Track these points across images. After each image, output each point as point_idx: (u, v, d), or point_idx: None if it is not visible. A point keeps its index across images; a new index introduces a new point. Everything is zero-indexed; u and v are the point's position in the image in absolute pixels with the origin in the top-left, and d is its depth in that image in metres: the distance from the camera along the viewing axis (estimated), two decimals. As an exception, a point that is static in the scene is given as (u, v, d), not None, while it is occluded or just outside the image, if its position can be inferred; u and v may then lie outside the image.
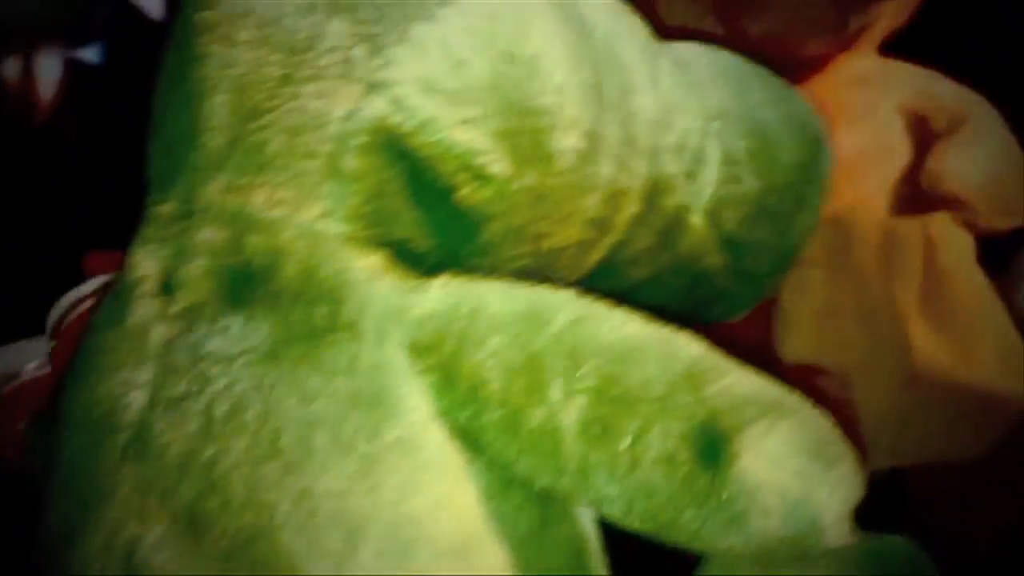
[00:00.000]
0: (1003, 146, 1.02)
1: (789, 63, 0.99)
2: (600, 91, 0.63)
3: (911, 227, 0.98)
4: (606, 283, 0.71)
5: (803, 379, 0.86)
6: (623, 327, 0.60)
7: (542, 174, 0.61)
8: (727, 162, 0.72)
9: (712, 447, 0.56)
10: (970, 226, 1.01)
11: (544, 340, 0.59)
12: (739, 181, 0.72)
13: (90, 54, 1.09)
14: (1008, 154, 1.02)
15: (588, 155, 0.63)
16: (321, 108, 0.60)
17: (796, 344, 0.94)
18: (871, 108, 1.02)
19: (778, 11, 0.96)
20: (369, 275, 0.60)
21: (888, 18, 1.02)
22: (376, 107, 0.60)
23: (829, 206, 0.97)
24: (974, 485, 0.96)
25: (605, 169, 0.64)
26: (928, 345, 0.97)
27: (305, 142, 0.61)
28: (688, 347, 0.60)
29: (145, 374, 0.61)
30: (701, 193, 0.71)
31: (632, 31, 0.68)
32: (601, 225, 0.66)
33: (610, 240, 0.67)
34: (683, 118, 0.69)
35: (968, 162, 1.00)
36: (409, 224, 0.61)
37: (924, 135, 1.03)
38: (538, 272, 0.66)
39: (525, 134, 0.61)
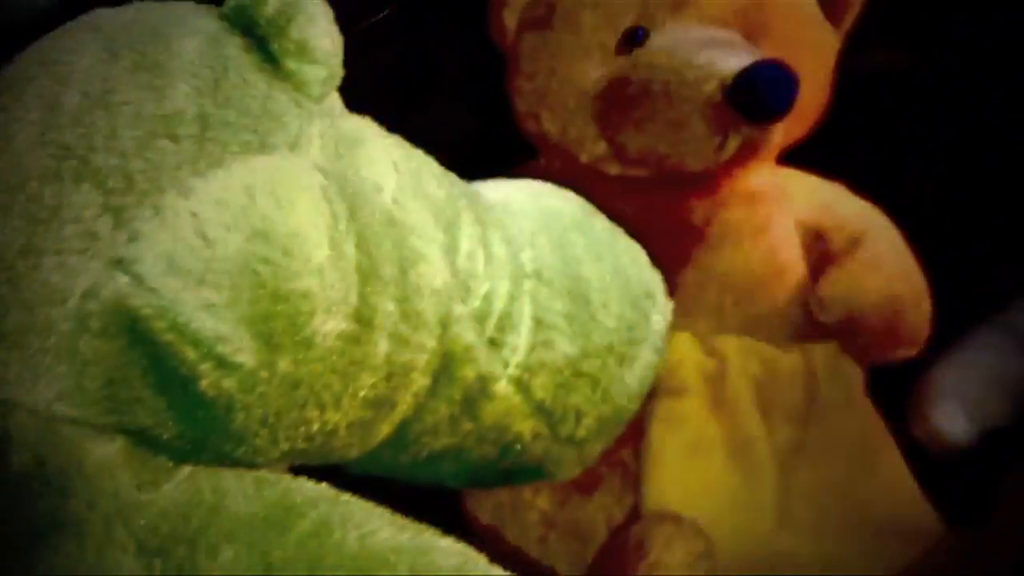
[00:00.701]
0: (899, 272, 0.97)
1: (674, 178, 0.94)
2: (373, 268, 0.59)
3: (792, 358, 0.93)
4: (400, 455, 0.66)
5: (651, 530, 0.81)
6: (373, 535, 0.55)
7: (298, 361, 0.57)
8: (539, 326, 0.67)
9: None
10: (861, 356, 0.96)
11: (284, 549, 0.54)
12: (552, 346, 0.67)
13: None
14: (904, 281, 0.97)
15: (357, 336, 0.58)
16: (60, 283, 0.56)
17: (661, 484, 0.90)
18: (762, 226, 0.97)
19: (653, 129, 0.91)
20: (103, 467, 0.56)
21: (782, 133, 0.97)
22: (116, 286, 0.55)
23: (708, 333, 0.93)
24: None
25: (381, 348, 0.60)
26: (805, 485, 0.92)
27: (42, 318, 0.56)
28: (444, 558, 0.55)
29: None
30: (507, 361, 0.66)
31: (427, 191, 0.63)
32: (382, 403, 0.61)
33: (396, 416, 0.63)
34: (486, 282, 0.65)
35: (860, 290, 0.95)
36: (152, 411, 0.57)
37: (821, 254, 0.99)
38: (311, 452, 0.61)
39: (278, 319, 0.56)
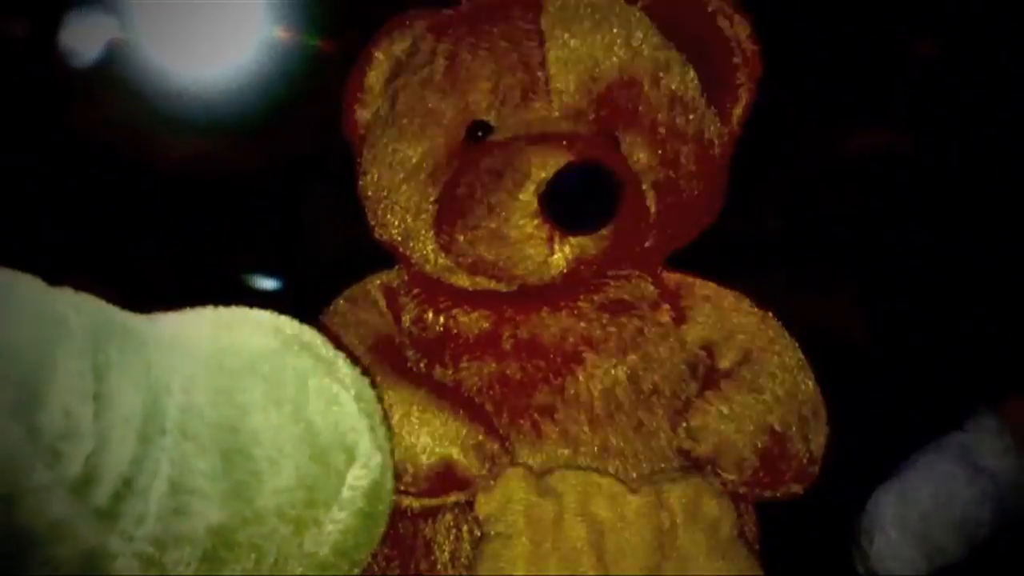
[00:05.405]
0: (784, 397, 0.85)
1: (525, 290, 0.84)
2: None
3: (644, 500, 0.81)
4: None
5: None
6: None
7: None
8: (175, 490, 0.58)
9: None
10: (740, 492, 0.84)
11: None
12: (189, 513, 0.58)
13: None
14: (789, 407, 0.84)
15: None
16: None
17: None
18: (631, 342, 0.86)
19: (479, 237, 0.81)
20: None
21: (656, 237, 0.86)
22: None
23: (561, 463, 0.82)
24: None
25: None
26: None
27: None
28: None
29: None
30: (130, 534, 0.58)
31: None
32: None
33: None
34: (90, 441, 0.57)
35: (732, 420, 0.83)
36: None
37: (709, 371, 0.87)
38: None
39: None
